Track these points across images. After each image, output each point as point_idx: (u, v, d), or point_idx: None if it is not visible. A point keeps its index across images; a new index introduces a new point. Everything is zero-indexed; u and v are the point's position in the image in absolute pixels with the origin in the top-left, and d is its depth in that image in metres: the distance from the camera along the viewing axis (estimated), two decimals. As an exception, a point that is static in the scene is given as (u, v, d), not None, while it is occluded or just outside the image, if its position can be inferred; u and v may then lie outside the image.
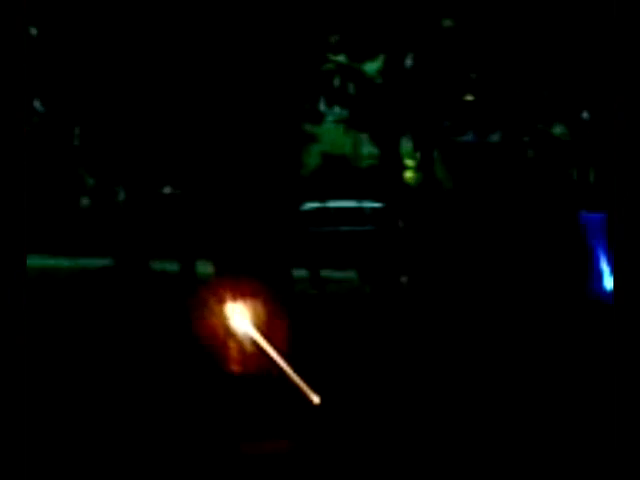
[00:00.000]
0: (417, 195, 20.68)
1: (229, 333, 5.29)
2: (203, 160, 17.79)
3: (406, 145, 21.45)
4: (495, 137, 21.01)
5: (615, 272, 5.36)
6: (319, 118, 20.82)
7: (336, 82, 20.07)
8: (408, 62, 19.88)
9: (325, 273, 20.17)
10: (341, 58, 19.97)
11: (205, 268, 18.38)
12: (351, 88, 20.16)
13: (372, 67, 20.32)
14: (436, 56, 19.55)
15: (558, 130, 20.62)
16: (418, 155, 21.86)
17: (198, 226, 18.58)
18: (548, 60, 18.62)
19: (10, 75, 5.22)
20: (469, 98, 20.09)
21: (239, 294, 5.31)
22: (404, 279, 18.21)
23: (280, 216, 8.17)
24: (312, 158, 27.48)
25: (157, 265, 18.95)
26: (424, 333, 12.44)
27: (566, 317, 12.04)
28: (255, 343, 5.18)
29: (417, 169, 22.77)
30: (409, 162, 23.80)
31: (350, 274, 20.88)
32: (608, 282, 5.98)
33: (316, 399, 5.11)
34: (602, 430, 6.07)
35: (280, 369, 5.13)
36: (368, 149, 25.72)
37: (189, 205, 19.19)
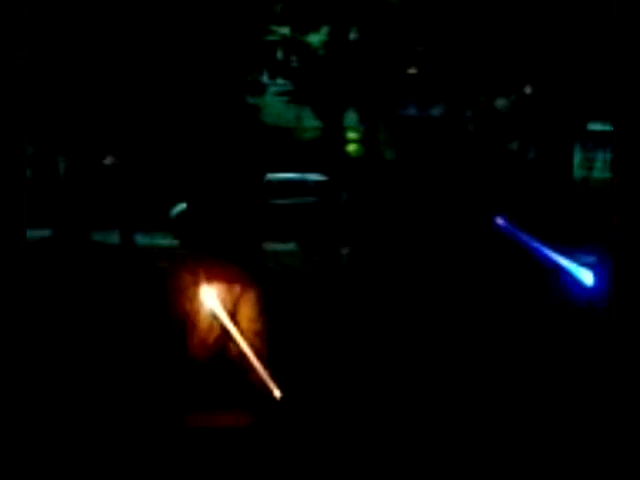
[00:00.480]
0: (360, 168, 20.68)
1: (196, 315, 5.14)
2: (147, 132, 17.62)
3: (349, 118, 21.41)
4: (437, 111, 21.05)
5: (615, 272, 5.28)
6: (262, 90, 20.71)
7: (279, 54, 19.96)
8: (352, 35, 19.81)
9: (267, 246, 20.11)
10: (285, 30, 19.86)
11: (144, 240, 18.27)
12: (294, 61, 20.07)
13: (316, 39, 20.22)
14: (380, 29, 19.51)
15: (500, 104, 20.68)
16: (361, 128, 21.84)
17: (138, 197, 18.45)
18: (491, 33, 18.67)
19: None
20: (412, 71, 20.09)
21: (212, 276, 5.15)
22: (346, 251, 18.23)
23: (247, 188, 8.01)
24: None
25: (97, 236, 18.82)
26: (365, 305, 12.47)
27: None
28: (222, 327, 5.05)
29: (360, 142, 22.76)
30: (352, 135, 23.78)
31: (292, 246, 20.87)
32: (585, 276, 5.25)
33: (277, 393, 4.97)
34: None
35: (245, 356, 5.00)
36: (310, 122, 25.67)
37: (130, 176, 19.03)
